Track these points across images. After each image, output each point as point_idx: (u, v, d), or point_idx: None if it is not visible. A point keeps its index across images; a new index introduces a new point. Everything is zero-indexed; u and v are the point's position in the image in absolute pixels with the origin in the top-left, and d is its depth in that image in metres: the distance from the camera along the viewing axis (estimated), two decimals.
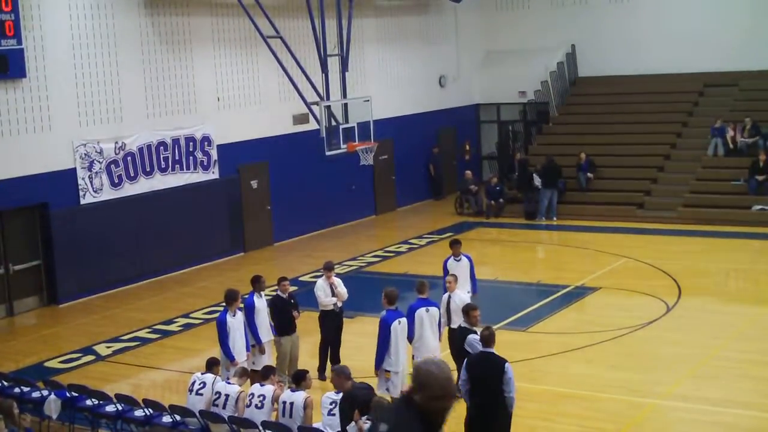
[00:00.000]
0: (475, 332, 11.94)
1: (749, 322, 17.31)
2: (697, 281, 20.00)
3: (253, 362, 13.93)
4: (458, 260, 15.92)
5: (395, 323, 12.78)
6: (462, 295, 14.25)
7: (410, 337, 13.19)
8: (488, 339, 11.17)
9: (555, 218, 27.06)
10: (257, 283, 14.55)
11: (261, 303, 14.39)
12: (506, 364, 10.93)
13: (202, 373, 12.27)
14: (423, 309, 13.26)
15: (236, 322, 13.72)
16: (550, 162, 27.47)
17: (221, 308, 14.13)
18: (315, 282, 15.92)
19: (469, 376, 11.00)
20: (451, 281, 14.34)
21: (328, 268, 15.31)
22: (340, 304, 15.25)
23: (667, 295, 18.85)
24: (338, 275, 16.03)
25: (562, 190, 27.51)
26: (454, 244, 16.21)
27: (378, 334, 12.85)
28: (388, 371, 12.80)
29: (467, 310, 12.71)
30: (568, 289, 19.81)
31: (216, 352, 13.74)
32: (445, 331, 13.98)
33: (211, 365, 12.38)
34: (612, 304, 18.90)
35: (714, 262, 21.90)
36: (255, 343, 14.17)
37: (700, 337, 16.43)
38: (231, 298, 13.82)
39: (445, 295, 14.20)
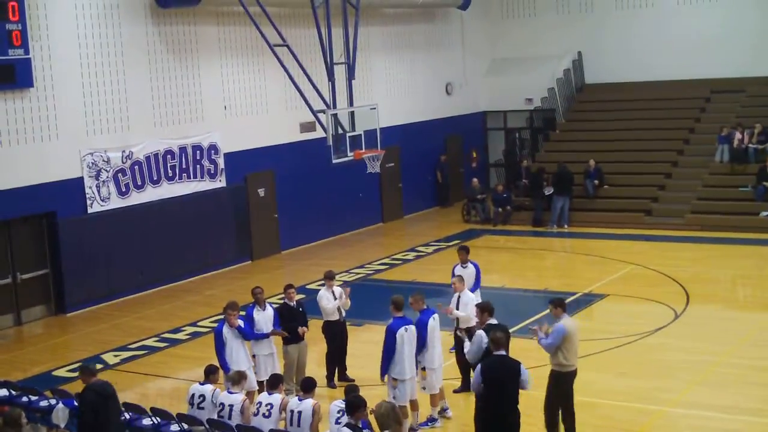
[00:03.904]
0: (481, 330, 11.90)
1: (757, 328, 17.26)
2: (705, 288, 19.96)
3: (255, 372, 13.87)
4: (465, 267, 15.95)
5: (401, 330, 12.70)
6: (470, 294, 14.31)
7: (422, 347, 13.01)
8: (501, 341, 11.08)
9: (567, 226, 26.98)
10: (253, 295, 14.45)
11: (260, 315, 14.26)
12: (520, 367, 10.95)
13: (201, 383, 12.11)
14: (431, 319, 13.21)
15: (234, 332, 13.64)
16: (563, 169, 27.38)
17: None
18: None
19: (484, 380, 10.96)
20: (456, 282, 14.42)
21: (329, 277, 15.29)
22: (344, 312, 15.23)
23: (675, 302, 18.80)
24: (346, 283, 16.01)
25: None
26: (461, 251, 16.25)
27: (384, 341, 12.80)
28: (396, 379, 12.73)
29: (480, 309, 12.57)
30: (575, 297, 19.75)
31: None
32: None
33: (209, 373, 12.17)
34: (620, 311, 18.86)
35: (722, 268, 21.85)
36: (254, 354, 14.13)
37: (709, 344, 16.37)
38: (225, 309, 13.80)
39: (455, 296, 14.28)
